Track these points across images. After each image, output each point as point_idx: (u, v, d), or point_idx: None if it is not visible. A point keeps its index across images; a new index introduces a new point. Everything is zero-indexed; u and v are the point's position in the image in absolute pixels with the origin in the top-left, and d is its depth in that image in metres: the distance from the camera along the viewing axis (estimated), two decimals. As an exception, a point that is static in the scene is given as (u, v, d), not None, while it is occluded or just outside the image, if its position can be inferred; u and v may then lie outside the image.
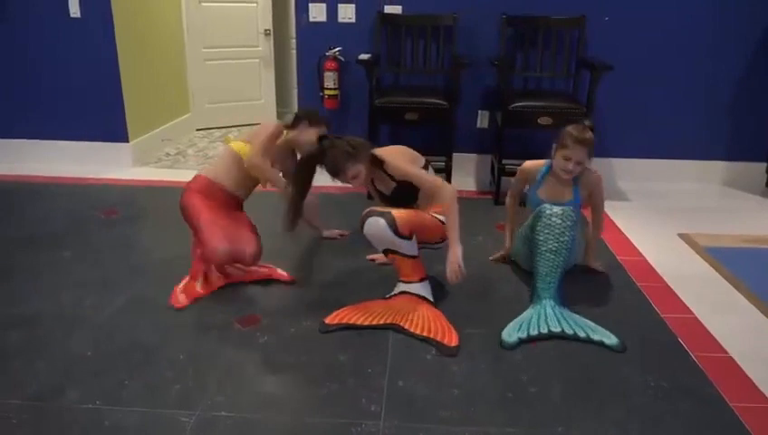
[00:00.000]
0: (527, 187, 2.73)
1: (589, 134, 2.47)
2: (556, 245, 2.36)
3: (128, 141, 4.40)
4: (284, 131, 2.81)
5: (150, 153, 4.74)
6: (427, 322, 2.31)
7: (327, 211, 3.55)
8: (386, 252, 2.41)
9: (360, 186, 2.45)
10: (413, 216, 2.35)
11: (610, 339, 2.24)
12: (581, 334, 2.26)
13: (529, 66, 3.95)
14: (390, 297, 2.46)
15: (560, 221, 2.41)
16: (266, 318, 2.39)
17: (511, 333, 2.26)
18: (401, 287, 2.46)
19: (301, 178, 2.43)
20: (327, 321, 2.32)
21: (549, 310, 2.35)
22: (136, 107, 4.49)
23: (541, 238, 2.40)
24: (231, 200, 2.74)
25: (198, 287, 2.56)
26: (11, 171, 4.18)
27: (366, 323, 2.32)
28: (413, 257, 2.41)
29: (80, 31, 4.12)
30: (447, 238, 2.35)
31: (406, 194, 2.44)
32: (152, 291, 2.57)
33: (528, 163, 2.71)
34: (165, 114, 5.17)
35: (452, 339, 2.22)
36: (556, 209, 2.43)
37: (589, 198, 2.64)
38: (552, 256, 2.35)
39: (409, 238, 2.34)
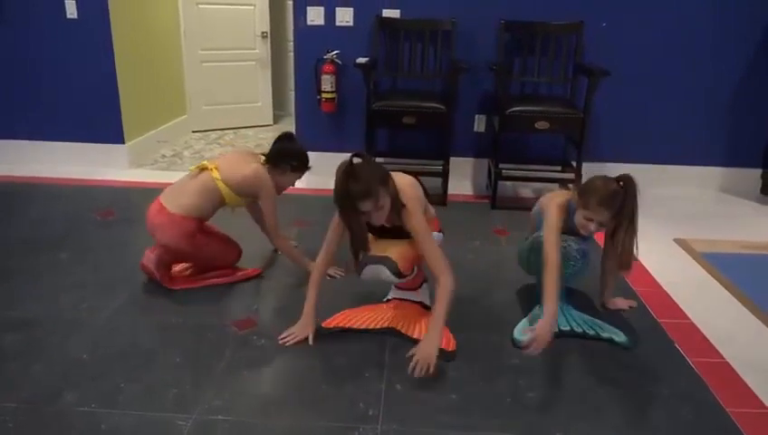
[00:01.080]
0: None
1: (613, 191, 2.13)
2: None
3: (124, 143, 4.39)
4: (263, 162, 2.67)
5: (146, 155, 4.73)
6: (423, 325, 2.31)
7: (323, 212, 3.54)
8: None
9: (376, 220, 2.09)
10: (411, 251, 2.18)
11: (619, 336, 2.25)
12: (591, 332, 2.27)
13: (526, 71, 3.97)
14: (388, 301, 2.47)
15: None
16: (263, 321, 2.39)
17: (521, 331, 2.26)
18: (399, 293, 2.46)
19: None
20: (324, 324, 2.31)
21: (557, 310, 2.33)
22: (132, 109, 4.48)
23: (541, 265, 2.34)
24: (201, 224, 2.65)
25: (159, 277, 2.58)
26: (7, 172, 4.16)
27: (363, 326, 2.32)
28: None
29: (77, 32, 4.11)
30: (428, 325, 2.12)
31: (398, 233, 2.21)
32: (149, 294, 2.56)
33: (558, 199, 2.30)
34: (161, 116, 5.16)
35: (449, 343, 2.22)
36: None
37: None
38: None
39: (412, 272, 2.28)
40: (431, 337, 2.03)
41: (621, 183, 2.15)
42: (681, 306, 2.57)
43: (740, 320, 2.50)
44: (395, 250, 2.16)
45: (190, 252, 2.61)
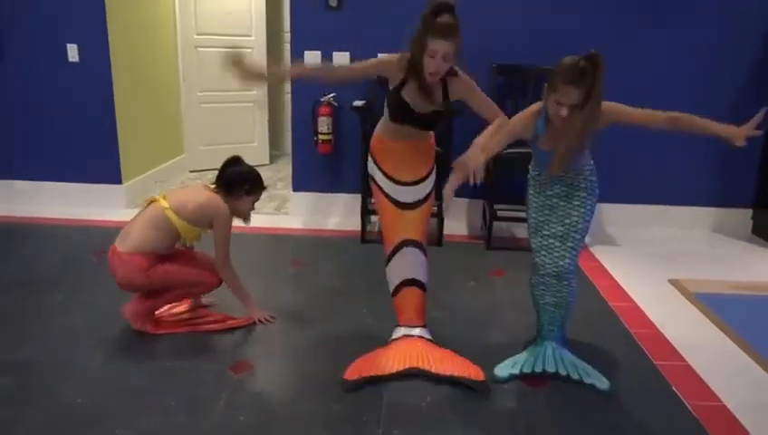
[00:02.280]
0: (527, 138, 2.28)
1: (581, 69, 1.99)
2: (555, 299, 2.33)
3: (121, 183, 4.42)
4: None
5: (143, 195, 4.74)
6: (445, 361, 2.29)
7: (318, 252, 3.56)
8: (403, 284, 2.44)
9: (436, 72, 2.17)
10: (426, 226, 2.47)
11: (602, 383, 2.24)
12: (575, 376, 2.27)
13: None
14: (391, 342, 2.43)
15: (555, 281, 2.30)
16: (258, 365, 2.37)
17: (503, 369, 2.29)
18: (402, 331, 2.45)
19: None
20: (347, 377, 2.22)
21: (549, 350, 2.35)
22: (131, 150, 4.52)
23: (537, 293, 2.37)
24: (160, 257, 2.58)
25: (149, 326, 2.57)
26: (4, 212, 4.17)
27: (387, 372, 2.25)
28: (424, 290, 2.46)
29: (78, 75, 4.18)
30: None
31: (436, 122, 2.38)
32: (143, 336, 2.55)
33: (520, 114, 2.25)
34: (159, 156, 5.20)
35: (478, 374, 2.21)
36: (549, 269, 2.28)
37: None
38: (553, 309, 2.34)
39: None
40: (477, 145, 2.11)
41: (588, 60, 2.00)
42: (677, 348, 2.57)
43: (736, 362, 2.50)
44: (415, 229, 2.43)
45: (150, 285, 2.51)
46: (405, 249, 2.44)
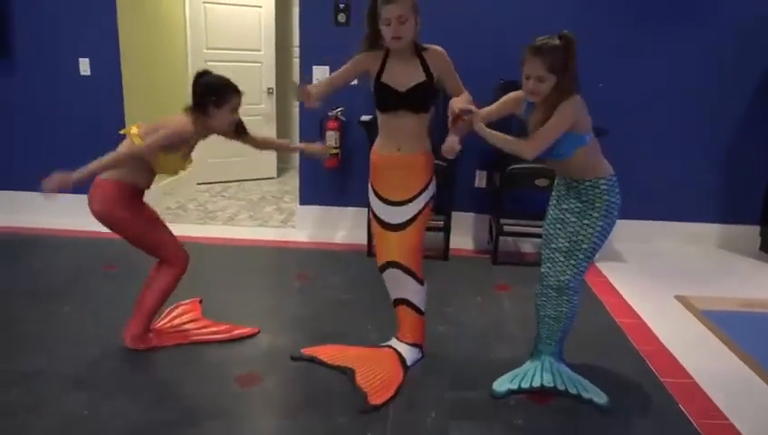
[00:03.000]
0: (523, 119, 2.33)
1: (550, 44, 2.02)
2: (555, 313, 2.33)
3: (130, 195, 4.45)
4: (195, 124, 2.45)
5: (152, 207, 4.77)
6: (376, 377, 2.33)
7: (325, 266, 3.57)
8: (396, 302, 2.48)
9: (397, 35, 2.20)
10: (414, 239, 2.42)
11: (601, 398, 2.24)
12: (573, 391, 2.27)
13: (525, 128, 4.04)
14: (377, 347, 2.52)
15: (555, 294, 2.31)
16: (264, 378, 2.38)
17: (502, 383, 2.30)
18: (391, 342, 2.52)
19: None
20: (303, 350, 2.46)
21: (546, 364, 2.36)
22: (140, 162, 4.56)
23: (539, 303, 2.38)
24: (136, 193, 2.51)
25: (153, 340, 2.57)
26: (15, 223, 4.21)
27: (329, 362, 2.41)
28: (420, 314, 2.47)
29: (89, 88, 4.24)
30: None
31: (423, 98, 2.33)
32: (148, 350, 2.55)
33: (514, 92, 2.31)
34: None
35: (375, 397, 2.21)
36: (551, 281, 2.29)
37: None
38: (552, 322, 2.35)
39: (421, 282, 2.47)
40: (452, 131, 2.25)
41: (560, 38, 2.03)
42: (684, 365, 2.56)
43: (743, 380, 2.48)
44: (398, 251, 2.40)
45: (122, 224, 2.45)
46: (389, 271, 2.46)
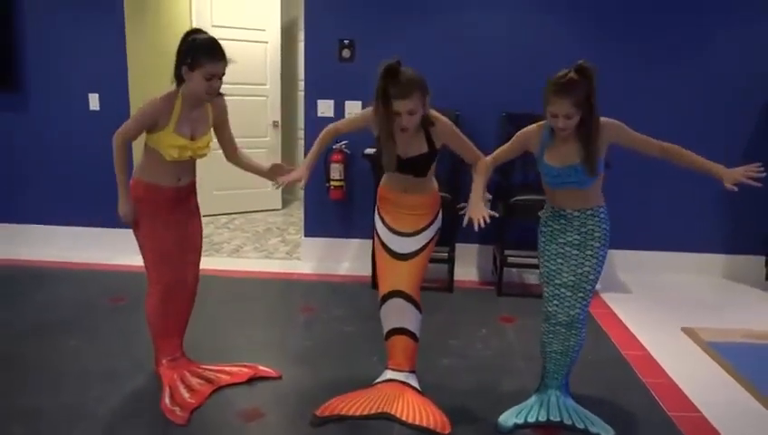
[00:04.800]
0: (535, 153, 2.31)
1: (569, 78, 2.07)
2: (562, 347, 2.32)
3: (136, 228, 4.48)
4: (178, 95, 2.33)
5: (157, 239, 4.81)
6: (417, 408, 2.31)
7: (330, 298, 3.57)
8: (392, 332, 2.47)
9: (406, 127, 2.24)
10: (418, 272, 2.45)
11: (607, 432, 2.22)
12: (580, 426, 2.25)
13: (529, 160, 4.08)
14: (375, 384, 2.48)
15: (565, 330, 2.30)
16: (268, 412, 2.36)
17: (508, 419, 2.28)
18: (388, 375, 2.49)
19: (381, 94, 2.22)
20: (318, 413, 2.31)
21: (553, 399, 2.34)
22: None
23: (546, 341, 2.36)
24: (162, 195, 2.42)
25: (187, 396, 2.39)
26: (22, 256, 4.24)
27: (357, 413, 2.31)
28: (417, 341, 2.47)
29: (97, 123, 4.30)
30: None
31: (424, 165, 2.38)
32: (153, 384, 2.54)
33: (526, 129, 2.31)
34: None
35: (445, 426, 2.21)
36: (561, 318, 2.28)
37: (612, 145, 2.24)
38: (559, 357, 2.33)
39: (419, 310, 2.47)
40: (476, 197, 2.26)
41: (577, 71, 2.07)
42: (692, 399, 2.54)
43: (751, 414, 2.45)
44: (407, 281, 2.42)
45: (135, 228, 2.46)
46: (393, 300, 2.47)
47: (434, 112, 2.34)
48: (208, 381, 2.52)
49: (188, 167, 2.49)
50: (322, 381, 2.60)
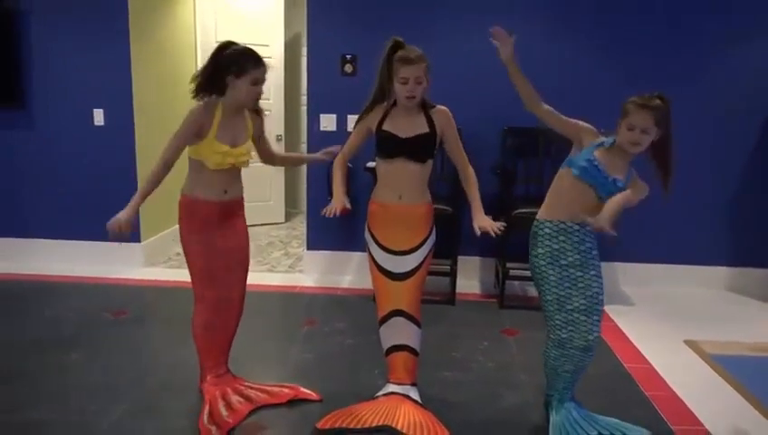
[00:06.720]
0: (578, 144, 2.36)
1: (656, 101, 2.15)
2: (574, 367, 2.28)
3: (140, 241, 4.50)
4: (218, 103, 2.39)
5: (161, 253, 4.83)
6: (419, 421, 2.31)
7: (332, 311, 3.58)
8: (393, 349, 2.47)
9: (412, 95, 2.28)
10: (418, 288, 2.46)
11: (641, 432, 2.25)
12: None
13: (530, 173, 4.10)
14: (377, 398, 2.47)
15: (581, 353, 2.25)
16: (270, 426, 2.36)
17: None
18: (390, 388, 2.49)
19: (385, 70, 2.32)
20: (319, 426, 2.32)
21: (575, 413, 2.30)
22: (150, 209, 4.62)
23: (558, 364, 2.29)
24: (207, 210, 2.46)
25: (225, 416, 2.35)
26: (25, 270, 4.25)
27: (358, 426, 2.31)
28: (417, 356, 2.48)
29: (102, 138, 4.34)
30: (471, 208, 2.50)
31: (424, 147, 2.37)
32: (156, 398, 2.56)
33: (589, 125, 2.33)
34: (177, 214, 5.29)
35: None
36: (578, 343, 2.22)
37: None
38: (570, 375, 2.30)
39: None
40: (478, 212, 2.46)
41: (659, 97, 2.17)
42: (695, 412, 2.52)
43: (756, 427, 2.44)
44: (406, 300, 2.44)
45: (182, 245, 2.50)
46: (394, 319, 2.47)
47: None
48: (248, 399, 2.48)
49: (233, 179, 2.49)
50: (324, 394, 2.59)
